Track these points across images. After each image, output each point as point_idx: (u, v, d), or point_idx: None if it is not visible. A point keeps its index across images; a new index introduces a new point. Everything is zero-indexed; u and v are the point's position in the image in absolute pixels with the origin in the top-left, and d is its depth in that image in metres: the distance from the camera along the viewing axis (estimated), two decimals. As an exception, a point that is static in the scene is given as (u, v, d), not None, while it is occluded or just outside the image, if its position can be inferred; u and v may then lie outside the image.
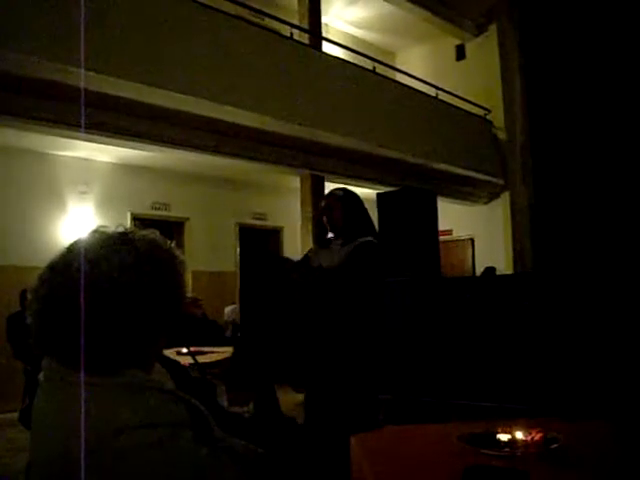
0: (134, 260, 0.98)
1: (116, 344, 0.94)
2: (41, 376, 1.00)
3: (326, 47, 8.32)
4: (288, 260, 3.17)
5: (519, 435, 1.41)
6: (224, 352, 4.43)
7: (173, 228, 8.44)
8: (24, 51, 4.57)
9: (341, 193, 3.13)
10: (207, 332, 5.39)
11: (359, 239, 2.98)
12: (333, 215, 3.08)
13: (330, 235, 3.16)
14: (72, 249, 0.99)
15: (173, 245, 1.08)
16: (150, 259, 1.00)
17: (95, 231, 1.02)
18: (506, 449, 1.37)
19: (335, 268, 2.93)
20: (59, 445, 0.90)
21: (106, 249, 0.97)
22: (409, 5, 9.88)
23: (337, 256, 2.99)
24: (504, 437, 1.42)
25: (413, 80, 9.46)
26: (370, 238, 2.99)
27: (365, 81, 8.05)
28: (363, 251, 2.93)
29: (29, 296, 0.98)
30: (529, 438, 1.41)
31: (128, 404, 0.91)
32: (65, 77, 4.95)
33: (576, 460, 1.33)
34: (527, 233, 10.21)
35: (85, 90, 5.00)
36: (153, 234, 1.06)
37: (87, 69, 4.78)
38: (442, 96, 9.70)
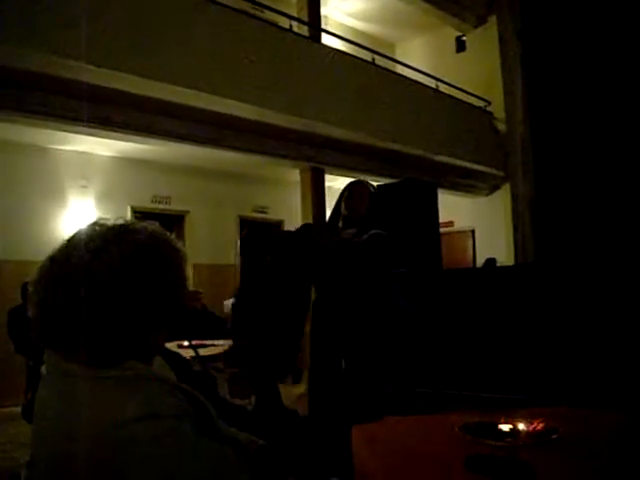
0: (134, 251, 0.98)
1: (117, 335, 0.94)
2: (43, 369, 1.00)
3: (325, 39, 8.28)
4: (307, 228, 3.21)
5: (520, 425, 1.42)
6: (225, 345, 4.43)
7: (174, 221, 8.43)
8: (24, 45, 4.55)
9: (372, 189, 3.29)
10: (208, 325, 5.39)
11: (372, 231, 3.07)
12: (358, 204, 3.17)
13: (340, 225, 3.22)
14: (72, 241, 0.99)
15: (173, 236, 1.08)
16: (150, 250, 1.00)
17: (95, 223, 1.02)
18: (507, 439, 1.37)
19: (358, 244, 2.98)
20: (61, 438, 0.90)
21: (106, 240, 0.97)
22: (408, -4, 9.85)
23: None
24: (505, 427, 1.42)
25: (413, 72, 9.42)
26: (381, 231, 3.09)
27: (365, 73, 8.01)
28: (377, 241, 2.99)
29: (30, 288, 0.98)
30: (530, 428, 1.41)
31: (129, 396, 0.91)
32: (65, 71, 4.93)
33: (577, 450, 1.33)
34: (528, 224, 10.19)
35: (85, 84, 4.98)
36: (153, 226, 1.06)
37: (87, 62, 4.76)
38: (442, 88, 9.65)
